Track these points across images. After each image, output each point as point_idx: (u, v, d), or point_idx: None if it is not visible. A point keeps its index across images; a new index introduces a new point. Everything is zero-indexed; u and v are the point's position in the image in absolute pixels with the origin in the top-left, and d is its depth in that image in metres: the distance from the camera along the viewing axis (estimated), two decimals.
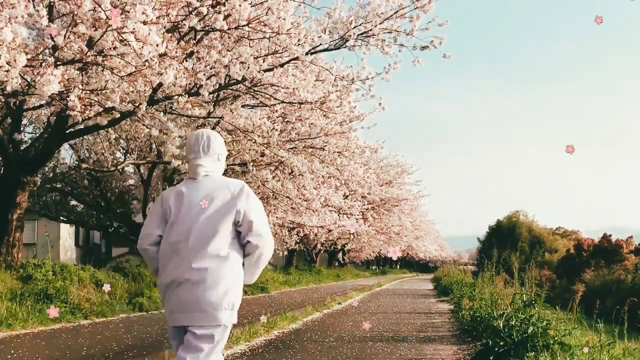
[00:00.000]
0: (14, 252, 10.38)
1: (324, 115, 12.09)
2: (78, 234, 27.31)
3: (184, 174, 14.40)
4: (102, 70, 7.55)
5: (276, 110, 11.75)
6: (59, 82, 6.16)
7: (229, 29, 8.41)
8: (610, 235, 42.64)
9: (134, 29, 6.28)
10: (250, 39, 9.08)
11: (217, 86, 9.60)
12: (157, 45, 6.49)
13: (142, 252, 3.37)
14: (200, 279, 3.12)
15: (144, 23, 6.33)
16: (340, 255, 42.47)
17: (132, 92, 8.10)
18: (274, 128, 11.51)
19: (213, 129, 12.60)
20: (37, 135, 13.48)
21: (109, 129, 12.48)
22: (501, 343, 6.50)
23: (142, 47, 6.44)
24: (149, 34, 6.36)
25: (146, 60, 6.67)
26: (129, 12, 6.29)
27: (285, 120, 12.43)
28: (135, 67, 7.08)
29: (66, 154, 27.27)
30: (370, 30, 9.51)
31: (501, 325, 6.80)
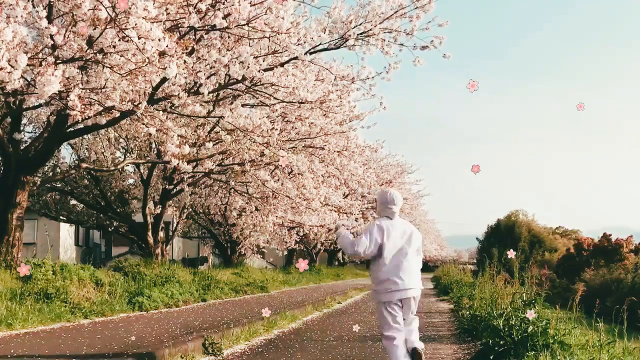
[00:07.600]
0: (13, 252, 10.37)
1: (324, 115, 12.07)
2: (78, 233, 27.31)
3: (184, 174, 14.42)
4: (102, 69, 7.53)
5: (276, 110, 11.73)
6: (59, 82, 6.16)
7: (228, 27, 8.39)
8: (610, 235, 42.54)
9: (135, 24, 6.28)
10: (250, 39, 9.06)
11: (217, 85, 9.59)
12: (159, 40, 6.48)
13: None
14: None
15: (145, 19, 6.33)
16: (340, 254, 42.45)
17: (132, 90, 8.08)
18: (273, 127, 11.50)
19: (213, 128, 12.60)
20: (37, 134, 13.46)
21: (109, 128, 12.47)
22: (501, 342, 6.50)
23: (145, 42, 6.43)
24: (151, 30, 6.35)
25: (147, 58, 6.67)
26: (130, 8, 6.28)
27: (285, 119, 12.42)
28: (135, 65, 7.07)
29: (66, 153, 27.18)
30: (370, 29, 9.48)
31: (501, 324, 6.80)
